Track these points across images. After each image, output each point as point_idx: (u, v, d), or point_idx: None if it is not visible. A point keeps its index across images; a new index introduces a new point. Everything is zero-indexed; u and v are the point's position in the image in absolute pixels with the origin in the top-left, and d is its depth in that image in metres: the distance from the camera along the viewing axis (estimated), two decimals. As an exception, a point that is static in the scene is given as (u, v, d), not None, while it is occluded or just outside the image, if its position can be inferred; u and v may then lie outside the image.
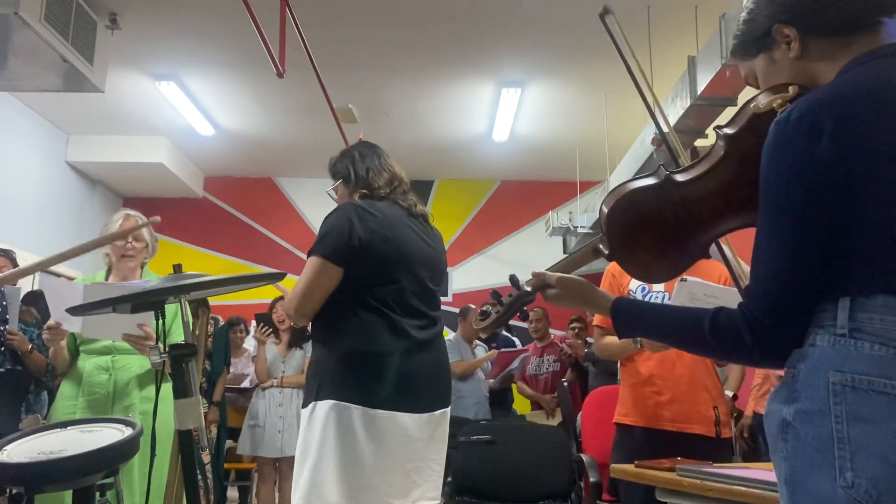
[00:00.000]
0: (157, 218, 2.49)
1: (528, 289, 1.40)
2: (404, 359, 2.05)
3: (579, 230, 7.11)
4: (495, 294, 1.46)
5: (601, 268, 2.38)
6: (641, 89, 1.49)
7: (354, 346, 2.04)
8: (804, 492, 1.01)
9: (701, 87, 4.49)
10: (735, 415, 4.30)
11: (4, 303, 3.22)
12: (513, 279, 1.44)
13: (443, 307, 2.33)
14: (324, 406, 2.00)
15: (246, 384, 5.57)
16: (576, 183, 7.48)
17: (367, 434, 1.97)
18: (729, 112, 4.59)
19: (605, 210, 1.31)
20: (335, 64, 5.48)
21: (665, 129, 1.58)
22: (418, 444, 2.06)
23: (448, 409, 2.19)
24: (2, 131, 6.19)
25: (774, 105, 1.14)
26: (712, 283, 2.38)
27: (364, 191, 2.22)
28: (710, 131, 4.71)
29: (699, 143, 4.90)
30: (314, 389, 2.05)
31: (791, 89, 1.16)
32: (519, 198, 8.49)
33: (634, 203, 1.29)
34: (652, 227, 1.28)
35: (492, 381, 5.52)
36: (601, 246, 1.33)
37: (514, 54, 5.55)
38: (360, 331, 2.05)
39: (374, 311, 2.06)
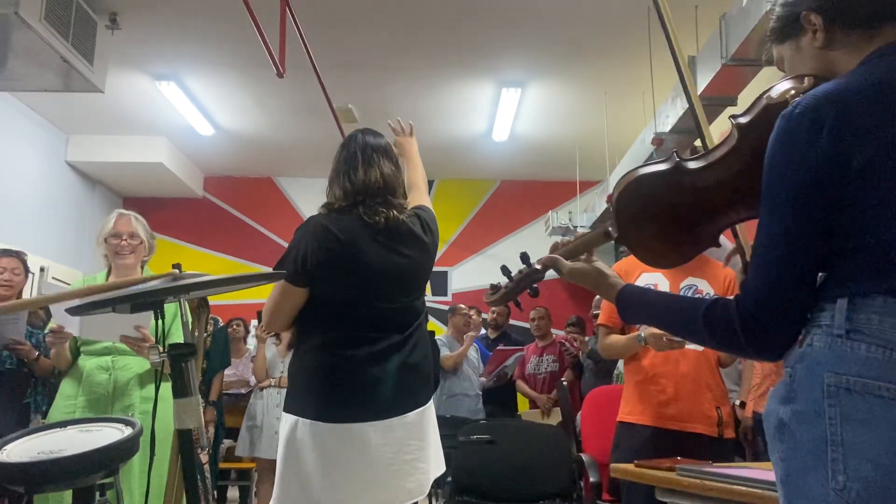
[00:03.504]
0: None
1: (539, 266, 1.42)
2: (356, 371, 2.07)
3: (579, 230, 7.11)
4: (505, 269, 1.49)
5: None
6: (674, 47, 1.45)
7: (311, 360, 2.10)
8: (798, 494, 1.00)
9: (701, 88, 4.48)
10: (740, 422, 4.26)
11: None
12: (523, 256, 1.46)
13: (438, 306, 2.34)
14: (287, 419, 2.08)
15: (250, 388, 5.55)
16: (575, 183, 7.48)
17: (316, 450, 2.00)
18: (728, 112, 4.58)
19: (616, 194, 1.32)
20: (335, 64, 5.48)
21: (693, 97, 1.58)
22: (387, 450, 2.05)
23: (424, 409, 2.17)
24: (2, 131, 6.18)
25: (788, 97, 1.13)
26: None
27: (328, 202, 2.20)
28: (712, 128, 4.70)
29: (700, 142, 4.88)
30: (286, 400, 2.15)
31: (807, 81, 1.14)
32: (519, 198, 8.49)
33: (645, 189, 1.29)
34: (661, 213, 1.28)
35: (484, 379, 5.55)
36: (611, 229, 1.34)
37: (514, 54, 5.54)
38: (318, 344, 2.10)
39: (333, 326, 2.10)
